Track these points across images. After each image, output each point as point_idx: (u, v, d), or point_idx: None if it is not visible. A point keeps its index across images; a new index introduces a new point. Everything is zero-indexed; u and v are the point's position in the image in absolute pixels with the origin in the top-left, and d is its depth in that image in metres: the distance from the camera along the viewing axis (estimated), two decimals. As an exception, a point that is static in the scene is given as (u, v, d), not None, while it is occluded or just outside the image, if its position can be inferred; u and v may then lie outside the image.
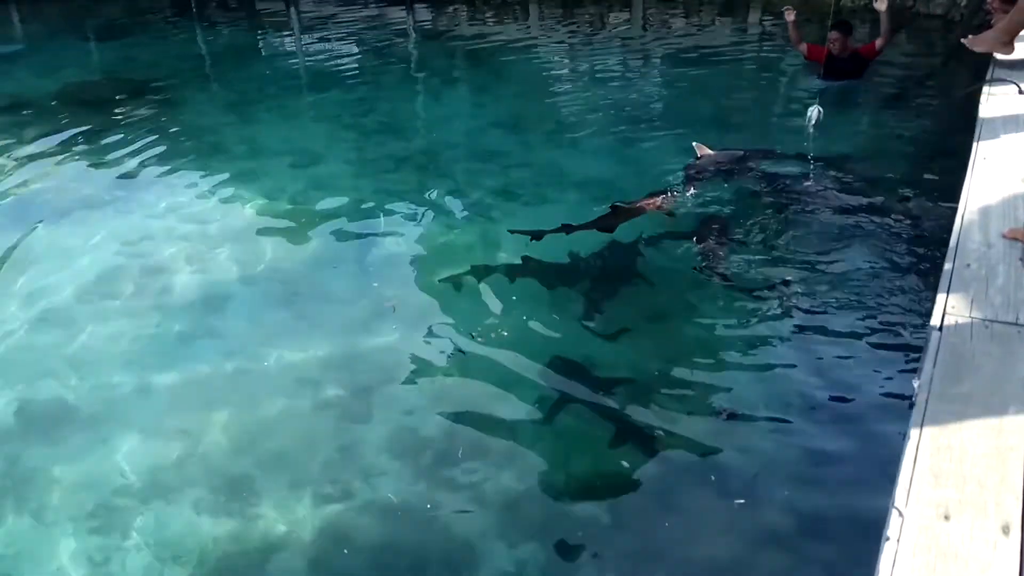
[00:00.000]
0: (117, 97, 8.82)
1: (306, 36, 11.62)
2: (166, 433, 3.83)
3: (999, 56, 5.15)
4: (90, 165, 6.97)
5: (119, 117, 8.19)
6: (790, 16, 7.24)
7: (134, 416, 3.94)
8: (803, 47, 7.37)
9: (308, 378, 4.16)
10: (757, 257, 4.84)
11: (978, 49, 5.06)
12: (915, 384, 2.39)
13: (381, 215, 5.88)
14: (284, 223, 5.83)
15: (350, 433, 3.77)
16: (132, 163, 6.97)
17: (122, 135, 7.65)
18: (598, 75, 9.20)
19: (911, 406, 2.29)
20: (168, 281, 5.11)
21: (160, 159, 7.02)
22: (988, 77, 5.05)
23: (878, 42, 7.11)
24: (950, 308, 2.63)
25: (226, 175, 6.64)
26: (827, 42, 7.22)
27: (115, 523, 3.33)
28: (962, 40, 5.14)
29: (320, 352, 4.34)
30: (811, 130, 5.72)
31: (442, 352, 4.26)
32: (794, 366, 3.93)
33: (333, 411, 3.93)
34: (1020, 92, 4.73)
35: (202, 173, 6.70)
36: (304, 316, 4.73)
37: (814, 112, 5.61)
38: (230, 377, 4.20)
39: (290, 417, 3.91)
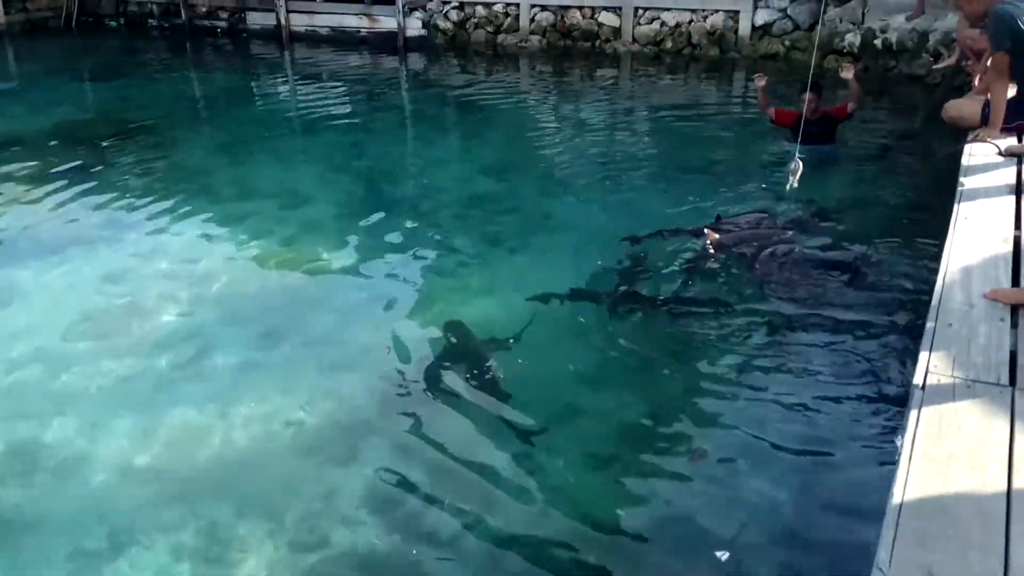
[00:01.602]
0: (109, 136, 8.86)
1: (299, 80, 11.76)
2: (146, 475, 3.78)
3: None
4: (79, 204, 6.97)
5: (111, 156, 8.22)
6: (760, 82, 7.37)
7: (114, 458, 3.89)
8: (771, 111, 7.45)
9: (290, 421, 4.13)
10: (740, 310, 4.88)
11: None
12: (898, 442, 2.42)
13: (369, 259, 5.91)
14: (272, 265, 5.84)
15: (332, 478, 3.74)
16: (122, 203, 6.98)
17: (113, 174, 7.68)
18: (586, 126, 9.36)
19: (895, 464, 2.30)
20: (153, 322, 5.09)
21: (150, 199, 7.03)
22: (969, 138, 5.17)
23: (850, 105, 7.21)
24: (932, 367, 2.66)
25: (216, 216, 6.66)
26: (802, 103, 7.29)
27: (90, 568, 3.28)
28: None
29: (304, 395, 4.31)
30: (793, 182, 5.75)
31: (426, 396, 4.26)
32: (777, 418, 3.94)
33: (315, 455, 3.89)
34: (999, 153, 4.84)
35: (192, 214, 6.71)
36: (289, 359, 4.72)
37: (794, 165, 5.64)
38: (212, 419, 4.16)
39: (271, 461, 3.87)
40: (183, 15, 14.39)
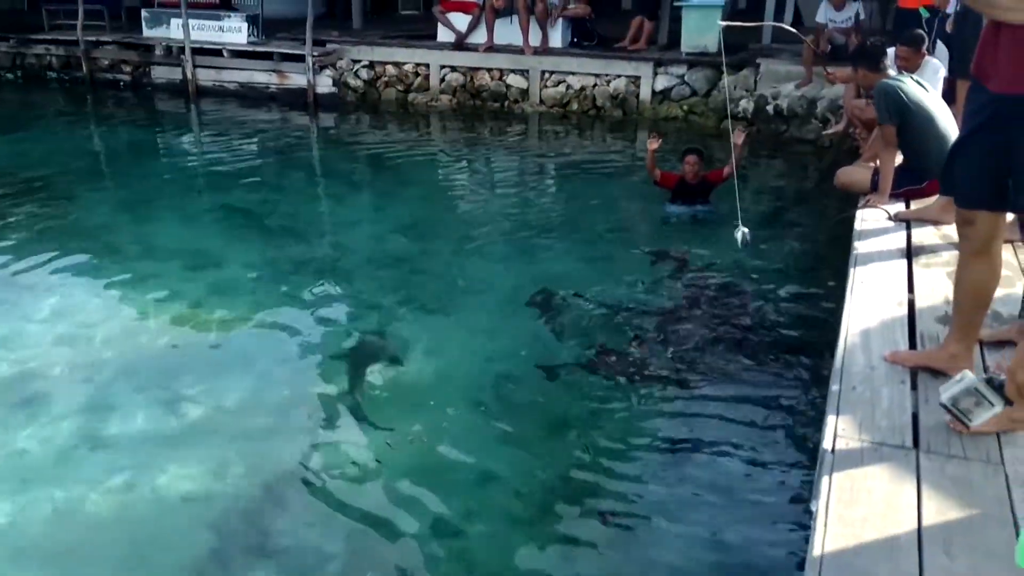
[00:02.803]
0: (4, 193, 8.48)
1: (206, 136, 11.56)
2: (43, 557, 3.57)
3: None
4: (-31, 265, 6.64)
5: (4, 213, 7.86)
6: (654, 144, 7.46)
7: (7, 539, 3.66)
8: (657, 173, 7.66)
9: (201, 492, 3.99)
10: (650, 372, 5.00)
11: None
12: (812, 506, 2.50)
13: (280, 321, 5.79)
14: (178, 328, 5.66)
15: (246, 551, 3.62)
16: (16, 264, 6.66)
17: (6, 232, 7.34)
18: (497, 184, 9.50)
19: (810, 528, 2.38)
20: (50, 388, 4.85)
21: (47, 259, 6.73)
22: (860, 204, 5.47)
23: (726, 169, 7.49)
24: (840, 431, 2.77)
25: (118, 277, 6.43)
26: (683, 165, 7.58)
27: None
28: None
29: (213, 464, 4.17)
30: (743, 247, 5.95)
31: (343, 463, 4.18)
32: (689, 478, 4.03)
33: (227, 527, 3.75)
34: (889, 218, 5.14)
35: (92, 275, 6.46)
36: (197, 426, 4.56)
37: (740, 234, 5.82)
38: (116, 492, 3.97)
39: (181, 535, 3.71)
40: (84, 68, 13.97)
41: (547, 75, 12.34)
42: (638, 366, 5.05)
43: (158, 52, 13.78)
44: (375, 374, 5.03)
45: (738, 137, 7.36)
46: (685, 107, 11.79)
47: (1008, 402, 1.57)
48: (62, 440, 4.37)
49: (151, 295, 6.13)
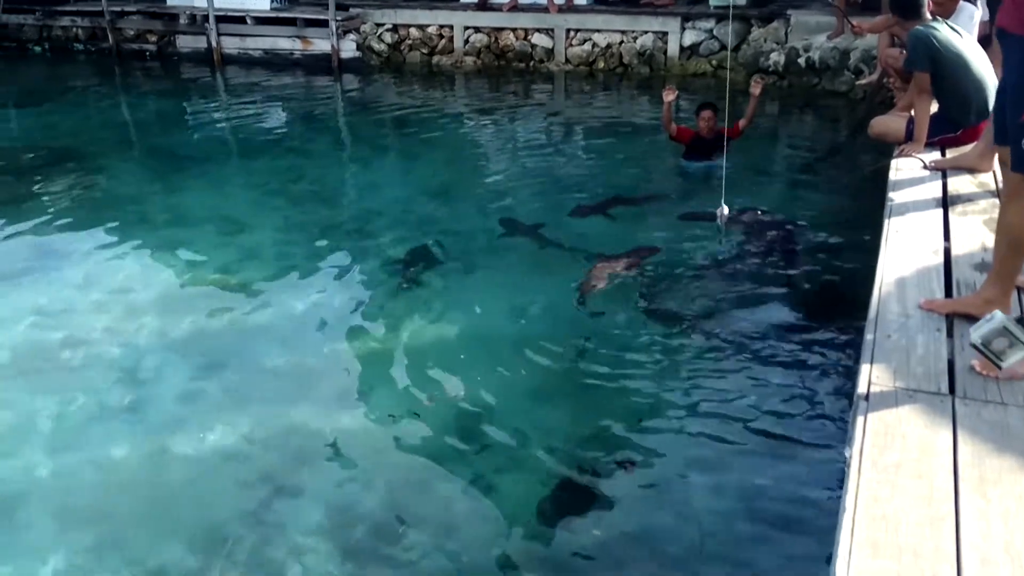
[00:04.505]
0: (36, 165, 8.58)
1: (233, 103, 11.58)
2: (87, 517, 3.67)
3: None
4: (6, 236, 6.74)
5: (38, 186, 7.96)
6: (670, 96, 7.32)
7: (53, 499, 3.76)
8: (673, 127, 7.53)
9: (236, 453, 4.06)
10: (682, 326, 4.97)
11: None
12: (846, 452, 2.48)
13: (310, 284, 5.84)
14: (210, 293, 5.72)
15: (282, 509, 3.68)
16: (51, 233, 6.77)
17: (41, 204, 7.44)
18: (523, 145, 9.42)
19: (844, 474, 2.37)
20: (88, 354, 4.94)
21: (80, 229, 6.83)
22: (895, 153, 5.36)
23: (742, 123, 7.38)
24: (875, 378, 2.74)
25: (150, 244, 6.51)
26: (699, 121, 7.44)
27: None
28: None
29: (247, 426, 4.24)
30: (721, 226, 5.97)
31: (376, 422, 4.22)
32: (722, 430, 4.02)
33: (264, 486, 3.83)
34: (924, 167, 5.03)
35: (124, 243, 6.54)
36: (231, 389, 4.63)
37: (722, 211, 5.79)
38: (154, 455, 4.06)
39: (219, 494, 3.79)
40: (110, 39, 14.02)
41: (572, 33, 12.17)
42: (670, 321, 5.02)
43: (182, 21, 13.80)
44: (404, 335, 5.06)
45: (755, 88, 7.24)
46: (714, 62, 11.57)
47: (1042, 342, 1.54)
48: (99, 404, 4.46)
49: (183, 261, 6.19)
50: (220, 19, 13.23)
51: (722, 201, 5.76)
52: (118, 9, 14.07)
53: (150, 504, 3.75)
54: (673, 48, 11.71)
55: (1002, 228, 2.98)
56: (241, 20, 13.27)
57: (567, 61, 12.21)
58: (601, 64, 12.10)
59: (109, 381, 4.66)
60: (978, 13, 6.26)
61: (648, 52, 11.82)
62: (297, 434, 4.19)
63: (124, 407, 4.44)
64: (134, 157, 9.32)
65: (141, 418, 4.35)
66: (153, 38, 14.08)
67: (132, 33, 14.15)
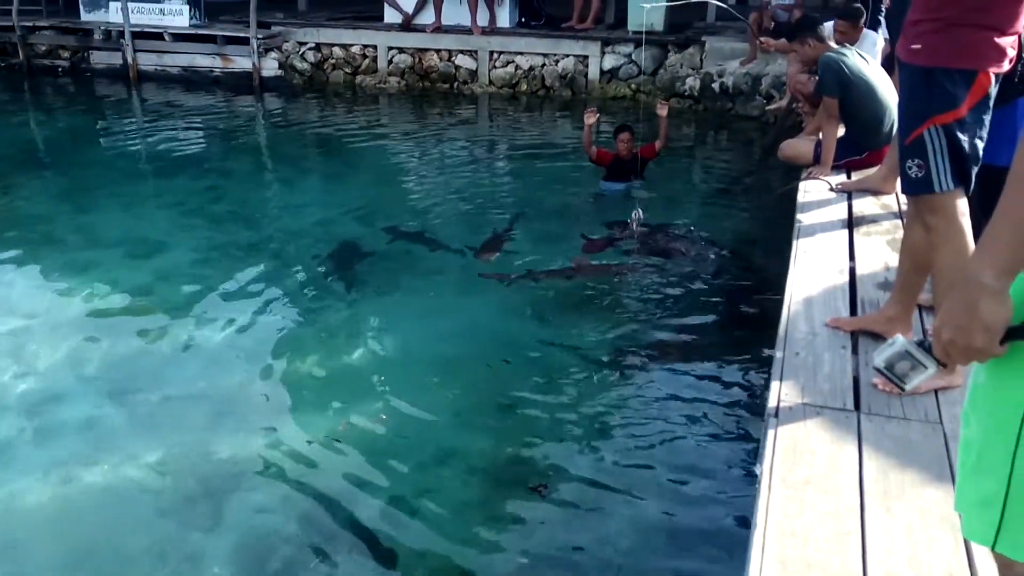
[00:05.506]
0: (-65, 184, 8.21)
1: (149, 121, 11.29)
2: (-14, 554, 3.49)
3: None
4: (-99, 258, 6.42)
5: (-63, 205, 7.62)
6: (591, 119, 7.41)
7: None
8: (593, 150, 7.67)
9: (148, 484, 3.91)
10: (593, 342, 5.05)
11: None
12: (757, 470, 2.54)
13: (228, 307, 5.69)
14: (121, 317, 5.54)
15: (196, 540, 3.56)
16: (-50, 255, 6.48)
17: (-61, 224, 7.12)
18: (447, 165, 9.44)
19: (754, 490, 2.42)
20: (-11, 383, 4.72)
21: (-17, 251, 6.55)
22: (803, 176, 5.55)
23: (658, 144, 7.59)
24: (784, 395, 2.82)
25: (59, 267, 6.27)
26: (617, 143, 7.61)
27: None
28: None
29: (160, 455, 4.09)
30: (635, 228, 6.36)
31: (293, 448, 4.13)
32: (638, 449, 4.07)
33: (176, 518, 3.69)
34: (831, 190, 5.22)
35: (32, 265, 6.29)
36: (143, 417, 4.47)
37: (637, 213, 6.31)
38: (58, 487, 3.88)
39: (128, 528, 3.64)
40: (20, 54, 13.54)
41: (496, 55, 12.30)
42: (586, 343, 5.08)
43: (97, 36, 13.43)
44: (327, 357, 4.99)
45: (661, 109, 7.46)
46: (633, 86, 11.85)
47: (941, 364, 1.60)
48: (2, 434, 4.26)
49: (94, 285, 5.98)
50: (136, 35, 12.93)
51: (637, 206, 5.98)
52: (29, 24, 13.62)
53: (55, 540, 3.58)
54: (594, 71, 11.95)
55: (905, 248, 3.11)
56: (159, 36, 13.00)
57: (491, 83, 12.32)
58: (524, 86, 12.24)
59: (11, 409, 4.46)
60: (880, 39, 6.57)
61: (569, 75, 12.02)
62: (212, 462, 4.07)
63: (27, 437, 4.25)
64: (44, 176, 9.00)
65: (46, 448, 4.16)
66: (66, 54, 13.68)
67: (44, 48, 13.71)
